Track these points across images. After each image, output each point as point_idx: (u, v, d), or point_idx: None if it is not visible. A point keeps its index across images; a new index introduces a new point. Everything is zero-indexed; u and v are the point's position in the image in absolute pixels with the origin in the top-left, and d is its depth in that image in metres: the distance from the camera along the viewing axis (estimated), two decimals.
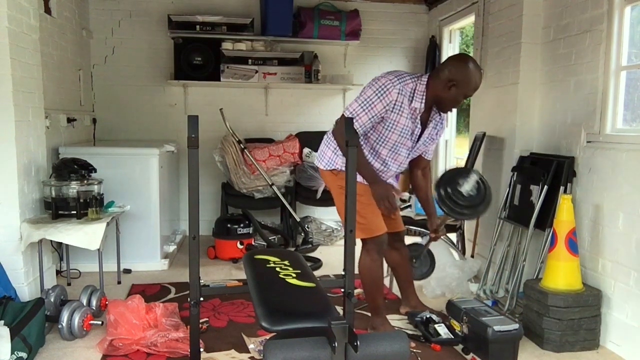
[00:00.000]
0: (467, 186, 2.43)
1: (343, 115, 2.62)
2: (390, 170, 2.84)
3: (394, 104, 2.56)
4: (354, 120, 2.55)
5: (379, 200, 2.63)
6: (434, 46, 5.29)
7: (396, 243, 3.07)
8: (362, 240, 2.79)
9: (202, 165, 2.28)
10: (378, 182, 2.67)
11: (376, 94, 2.55)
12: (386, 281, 3.83)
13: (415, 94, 2.58)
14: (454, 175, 2.64)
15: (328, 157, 2.82)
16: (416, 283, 3.68)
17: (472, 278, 3.77)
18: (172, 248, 4.38)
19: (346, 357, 1.47)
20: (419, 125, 2.71)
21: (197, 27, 4.81)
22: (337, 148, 2.75)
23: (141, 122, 5.09)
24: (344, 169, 2.68)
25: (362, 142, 2.74)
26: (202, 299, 2.18)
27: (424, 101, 2.60)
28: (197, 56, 4.88)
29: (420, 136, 2.76)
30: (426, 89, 2.59)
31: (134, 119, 5.07)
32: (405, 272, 3.19)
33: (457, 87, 2.55)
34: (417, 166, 2.99)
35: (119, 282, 3.75)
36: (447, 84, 2.55)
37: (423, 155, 2.93)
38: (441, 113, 2.76)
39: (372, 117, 2.58)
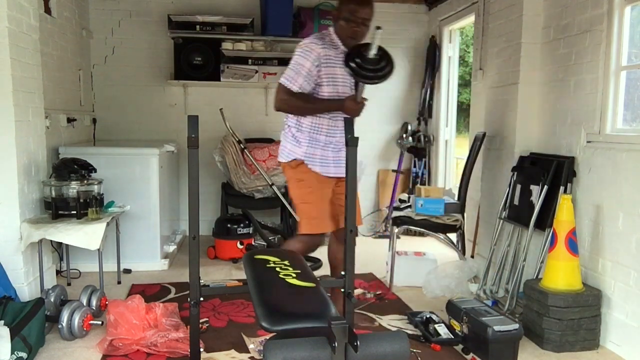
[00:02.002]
0: (371, 52, 2.56)
1: (279, 83, 2.69)
2: (342, 127, 2.77)
3: (320, 58, 2.65)
4: (292, 85, 2.63)
5: (354, 110, 2.66)
6: (434, 46, 5.29)
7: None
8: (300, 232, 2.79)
9: (202, 165, 2.28)
10: (341, 101, 2.69)
11: (302, 55, 2.65)
12: (386, 280, 3.84)
13: (334, 42, 2.72)
14: (357, 48, 2.68)
15: (288, 150, 2.81)
16: (416, 283, 3.70)
17: (472, 278, 3.77)
18: (172, 248, 4.38)
19: (346, 357, 1.47)
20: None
21: (197, 27, 4.81)
22: (295, 139, 2.76)
23: (141, 122, 5.09)
24: (304, 158, 2.73)
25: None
26: (202, 299, 2.18)
27: (341, 44, 2.71)
28: (197, 56, 4.89)
29: (356, 83, 2.78)
30: (336, 33, 2.73)
31: (134, 119, 5.07)
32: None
33: (341, 17, 2.66)
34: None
35: (119, 282, 3.75)
36: (336, 19, 2.71)
37: None
38: None
39: (306, 75, 2.64)
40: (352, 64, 2.58)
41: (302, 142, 2.75)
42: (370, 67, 2.54)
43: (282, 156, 2.84)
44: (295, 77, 2.64)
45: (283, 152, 2.84)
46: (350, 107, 2.64)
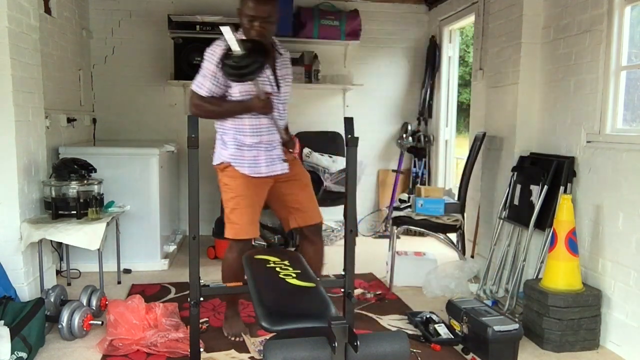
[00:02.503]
0: (234, 50, 2.40)
1: (190, 89, 2.67)
2: (268, 124, 2.72)
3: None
4: (200, 90, 2.61)
5: (261, 107, 2.60)
6: (434, 46, 5.29)
7: (312, 236, 2.91)
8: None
9: (202, 165, 2.28)
10: (250, 101, 2.62)
11: (207, 59, 2.61)
12: (386, 280, 3.84)
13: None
14: (226, 52, 2.54)
15: (217, 153, 2.81)
16: (416, 283, 3.70)
17: (472, 278, 3.77)
18: (172, 248, 4.38)
19: (346, 357, 1.47)
20: (269, 71, 2.69)
21: (197, 27, 4.81)
22: (222, 142, 2.75)
23: (141, 122, 5.09)
24: (230, 160, 2.71)
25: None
26: (202, 299, 2.19)
27: None
28: (197, 56, 4.85)
29: (276, 78, 2.73)
30: (243, 34, 2.64)
31: (134, 119, 5.07)
32: (314, 269, 3.06)
33: (243, 16, 2.59)
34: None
35: (119, 282, 3.75)
36: (240, 17, 2.63)
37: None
38: (281, 52, 2.79)
39: (212, 79, 2.60)
40: (221, 63, 2.51)
41: (229, 144, 2.72)
42: (234, 64, 2.42)
43: (214, 159, 2.83)
44: (202, 82, 2.62)
45: (214, 155, 2.83)
46: (257, 105, 2.59)
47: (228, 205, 2.75)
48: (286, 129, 2.90)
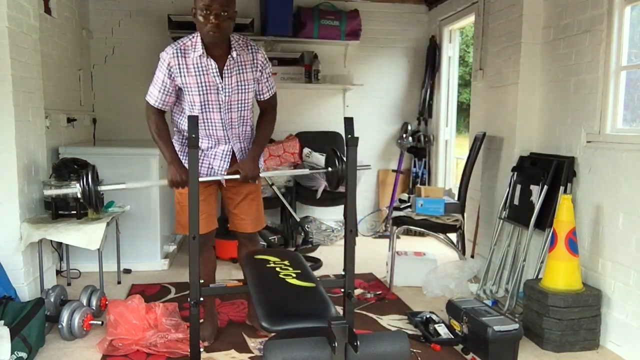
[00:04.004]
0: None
1: (146, 102, 2.65)
2: (221, 133, 2.63)
3: (172, 68, 2.49)
4: (150, 99, 2.59)
5: (168, 180, 2.49)
6: (434, 46, 5.29)
7: (246, 242, 2.86)
8: None
9: None
10: (172, 163, 2.52)
11: (158, 68, 2.54)
12: (386, 280, 3.84)
13: (192, 46, 2.50)
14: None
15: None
16: (416, 283, 3.70)
17: (472, 278, 3.77)
18: (172, 248, 4.38)
19: (346, 357, 1.46)
20: (216, 76, 2.51)
21: None
22: (181, 148, 2.67)
23: (141, 122, 5.04)
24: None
25: (178, 119, 2.71)
26: (202, 299, 2.19)
27: (201, 47, 2.48)
28: None
29: (225, 85, 2.54)
30: (199, 35, 2.50)
31: (134, 119, 5.05)
32: None
33: (196, 11, 2.42)
34: (261, 112, 2.81)
35: (119, 282, 3.75)
36: (194, 15, 2.44)
37: (259, 99, 2.74)
38: (253, 53, 2.59)
39: (160, 88, 2.54)
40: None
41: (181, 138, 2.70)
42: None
43: None
44: (152, 91, 2.58)
45: None
46: (169, 174, 2.49)
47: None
48: (254, 155, 2.67)
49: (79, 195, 2.30)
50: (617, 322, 2.77)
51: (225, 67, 2.53)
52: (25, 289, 2.97)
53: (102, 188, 2.47)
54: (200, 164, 2.58)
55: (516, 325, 2.64)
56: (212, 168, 2.69)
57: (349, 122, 2.29)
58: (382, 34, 5.41)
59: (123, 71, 5.01)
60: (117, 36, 4.99)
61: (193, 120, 2.16)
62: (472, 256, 4.16)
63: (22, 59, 2.97)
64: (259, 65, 2.62)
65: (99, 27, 4.94)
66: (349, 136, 2.25)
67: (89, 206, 2.46)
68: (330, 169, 2.45)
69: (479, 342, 2.66)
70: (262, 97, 2.73)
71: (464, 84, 6.92)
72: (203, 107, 2.56)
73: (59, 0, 3.98)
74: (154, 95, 2.58)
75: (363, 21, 5.14)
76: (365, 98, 5.40)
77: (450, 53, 5.28)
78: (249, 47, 2.59)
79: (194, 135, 2.13)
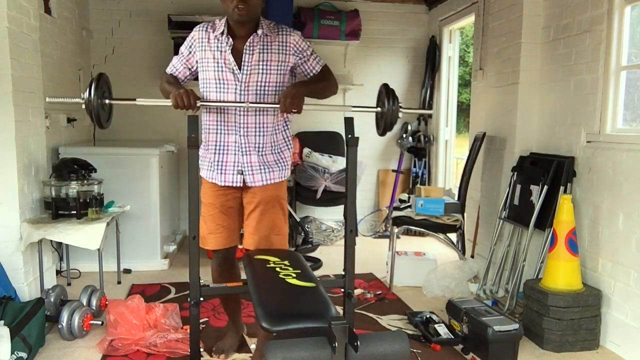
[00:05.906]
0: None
1: (165, 72, 2.56)
2: (222, 120, 2.42)
3: (195, 42, 2.44)
4: (168, 68, 2.52)
5: (173, 103, 2.29)
6: (434, 46, 5.30)
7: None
8: None
9: None
10: (177, 89, 2.32)
11: (184, 42, 2.49)
12: (386, 280, 3.84)
13: (218, 25, 2.42)
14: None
15: None
16: (416, 283, 3.69)
17: (472, 278, 3.77)
18: (172, 248, 4.38)
19: (346, 357, 1.46)
20: (230, 54, 2.35)
21: None
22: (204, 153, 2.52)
23: (141, 122, 5.08)
24: (200, 160, 2.48)
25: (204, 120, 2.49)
26: (202, 299, 2.19)
27: (224, 26, 2.38)
28: None
29: (242, 64, 2.36)
30: (227, 15, 2.39)
31: (134, 119, 5.06)
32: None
33: None
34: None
35: (119, 282, 3.75)
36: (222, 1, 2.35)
37: (312, 75, 2.60)
38: (284, 35, 2.40)
39: (180, 57, 2.49)
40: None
41: (203, 143, 2.48)
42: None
43: None
44: (172, 61, 2.54)
45: None
46: (173, 95, 2.29)
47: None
48: (300, 84, 2.42)
49: (83, 107, 2.13)
50: (617, 322, 2.77)
51: (247, 44, 2.35)
52: (25, 289, 2.97)
53: (110, 102, 2.30)
54: (213, 167, 2.42)
55: (516, 325, 2.63)
56: (224, 166, 2.41)
57: (349, 122, 2.29)
58: (382, 34, 5.41)
59: (123, 71, 5.01)
60: (117, 36, 4.99)
61: (193, 120, 2.16)
62: (472, 256, 4.16)
63: (22, 59, 2.97)
64: (291, 49, 2.41)
65: (99, 27, 4.94)
66: (349, 136, 2.25)
67: (92, 120, 2.25)
68: (379, 109, 2.20)
69: (479, 342, 2.66)
70: (313, 72, 2.58)
71: (464, 84, 6.92)
72: (218, 85, 2.39)
73: (59, 0, 3.98)
74: (173, 63, 2.54)
75: (363, 21, 5.14)
76: (365, 98, 5.39)
77: (450, 53, 5.28)
78: (281, 30, 2.41)
79: (193, 136, 2.13)
